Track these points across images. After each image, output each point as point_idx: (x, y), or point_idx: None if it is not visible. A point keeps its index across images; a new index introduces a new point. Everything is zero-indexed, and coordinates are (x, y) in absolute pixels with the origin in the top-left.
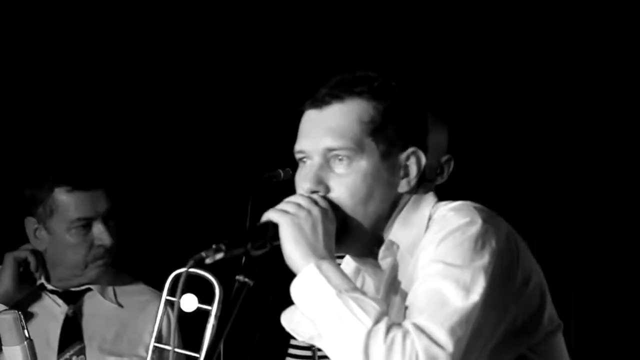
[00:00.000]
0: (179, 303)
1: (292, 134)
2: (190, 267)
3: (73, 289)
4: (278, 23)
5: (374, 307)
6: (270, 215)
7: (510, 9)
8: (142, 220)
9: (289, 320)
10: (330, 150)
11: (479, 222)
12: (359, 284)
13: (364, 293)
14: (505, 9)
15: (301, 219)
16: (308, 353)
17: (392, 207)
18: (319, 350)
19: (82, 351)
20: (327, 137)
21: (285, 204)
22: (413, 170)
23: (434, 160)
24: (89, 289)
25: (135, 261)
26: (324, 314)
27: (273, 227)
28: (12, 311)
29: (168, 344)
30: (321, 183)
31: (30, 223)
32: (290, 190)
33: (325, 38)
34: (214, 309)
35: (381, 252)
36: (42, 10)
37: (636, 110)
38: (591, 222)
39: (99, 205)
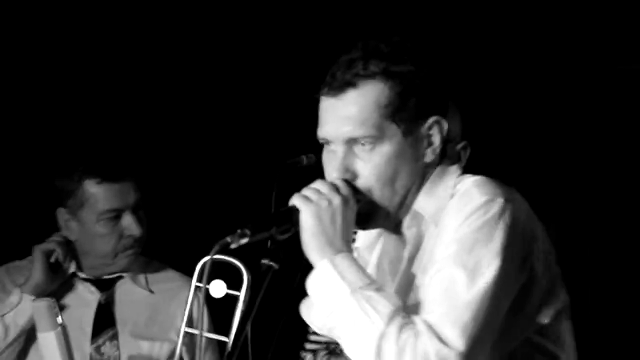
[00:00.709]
0: (206, 289)
1: (313, 120)
2: (216, 253)
3: (105, 277)
4: (292, 11)
5: (387, 307)
6: (294, 200)
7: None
8: (171, 209)
9: (307, 309)
10: (353, 139)
11: (500, 201)
12: (377, 250)
13: (378, 288)
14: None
15: (322, 209)
16: (327, 339)
17: (421, 178)
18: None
19: (115, 337)
20: (348, 127)
21: (309, 190)
22: (437, 139)
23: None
24: (121, 277)
25: (165, 248)
26: (338, 312)
27: (297, 213)
28: (46, 298)
29: (200, 330)
30: (348, 171)
31: (62, 214)
32: (314, 176)
33: (339, 23)
34: (242, 294)
35: (407, 221)
36: (78, 7)
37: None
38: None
39: (128, 196)
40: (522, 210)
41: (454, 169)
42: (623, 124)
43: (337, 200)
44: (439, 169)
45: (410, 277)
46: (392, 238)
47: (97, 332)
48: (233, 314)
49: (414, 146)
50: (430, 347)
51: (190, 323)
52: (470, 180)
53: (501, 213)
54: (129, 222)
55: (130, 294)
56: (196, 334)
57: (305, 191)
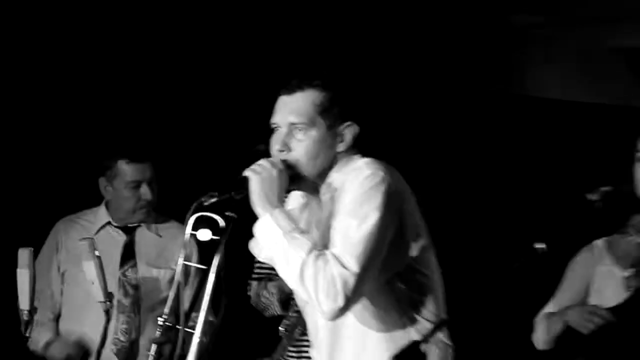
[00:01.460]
0: (193, 235)
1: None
2: (195, 208)
3: (129, 225)
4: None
5: (307, 243)
6: (246, 172)
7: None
8: (175, 181)
9: (254, 246)
10: (293, 124)
11: (381, 174)
12: (305, 214)
13: (301, 232)
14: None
15: (264, 178)
16: (267, 271)
17: (333, 162)
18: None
19: (135, 265)
20: (291, 115)
21: (256, 165)
22: (348, 138)
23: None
24: (140, 226)
25: (171, 207)
26: (275, 247)
27: (248, 180)
28: (89, 238)
29: (192, 262)
30: (286, 145)
31: (102, 182)
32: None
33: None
34: (222, 239)
35: (323, 189)
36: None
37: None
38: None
39: (145, 173)
40: (395, 181)
41: (357, 156)
42: (482, 133)
43: (274, 172)
44: (347, 156)
45: (326, 226)
46: (315, 203)
47: (123, 262)
48: (214, 251)
49: (332, 138)
50: (335, 270)
51: (185, 257)
52: (363, 160)
53: (381, 182)
54: (145, 190)
55: (145, 237)
56: (188, 264)
57: (254, 166)
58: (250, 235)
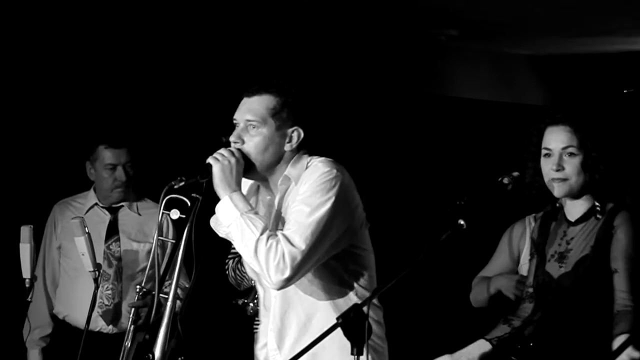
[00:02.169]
0: (166, 213)
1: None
2: (166, 191)
3: (113, 206)
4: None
5: (261, 224)
6: (209, 159)
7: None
8: (153, 164)
9: (214, 223)
10: (248, 121)
11: (334, 172)
12: (255, 199)
13: (256, 213)
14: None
15: (224, 165)
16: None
17: (279, 158)
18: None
19: (118, 240)
20: (248, 114)
21: (217, 154)
22: (294, 139)
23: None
24: (122, 206)
25: (149, 187)
26: (233, 226)
27: (210, 167)
28: (79, 217)
29: (167, 237)
30: (240, 138)
31: (88, 165)
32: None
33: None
34: (190, 218)
35: (280, 180)
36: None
37: None
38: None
39: (121, 157)
40: (346, 179)
41: (306, 155)
42: (410, 129)
43: (233, 160)
44: (298, 155)
45: (278, 211)
46: (265, 190)
47: (107, 237)
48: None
49: (281, 137)
50: (285, 248)
51: (160, 233)
52: (319, 159)
53: (335, 177)
54: (119, 173)
55: (127, 216)
56: (163, 239)
57: (216, 154)
58: (214, 213)
